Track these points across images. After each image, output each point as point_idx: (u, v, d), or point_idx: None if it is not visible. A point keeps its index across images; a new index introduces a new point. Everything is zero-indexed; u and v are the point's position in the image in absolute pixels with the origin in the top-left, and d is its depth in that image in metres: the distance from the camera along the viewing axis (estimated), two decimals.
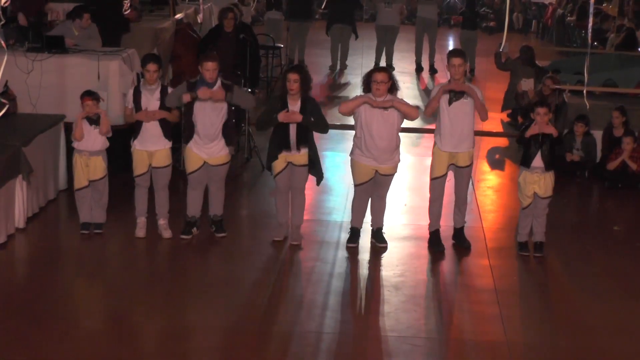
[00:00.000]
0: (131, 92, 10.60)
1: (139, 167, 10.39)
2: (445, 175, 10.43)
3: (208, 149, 10.25)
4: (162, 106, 10.32)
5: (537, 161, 10.17)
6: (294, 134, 10.13)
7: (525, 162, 10.35)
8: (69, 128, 11.56)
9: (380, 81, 9.85)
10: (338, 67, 21.51)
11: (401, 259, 10.32)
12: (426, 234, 10.64)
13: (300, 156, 10.27)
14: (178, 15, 16.65)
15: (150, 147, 10.31)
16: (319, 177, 10.57)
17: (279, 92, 10.36)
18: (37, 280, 9.51)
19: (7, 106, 11.20)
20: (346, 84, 20.45)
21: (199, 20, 16.16)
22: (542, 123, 10.14)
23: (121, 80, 12.83)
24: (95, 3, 14.35)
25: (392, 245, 10.53)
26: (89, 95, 10.50)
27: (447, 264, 10.35)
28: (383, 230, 10.62)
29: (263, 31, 20.13)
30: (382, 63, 21.29)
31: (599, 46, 20.50)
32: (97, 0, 14.45)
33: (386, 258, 10.31)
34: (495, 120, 16.87)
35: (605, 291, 9.80)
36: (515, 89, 16.37)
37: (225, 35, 14.40)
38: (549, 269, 10.42)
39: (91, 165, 10.41)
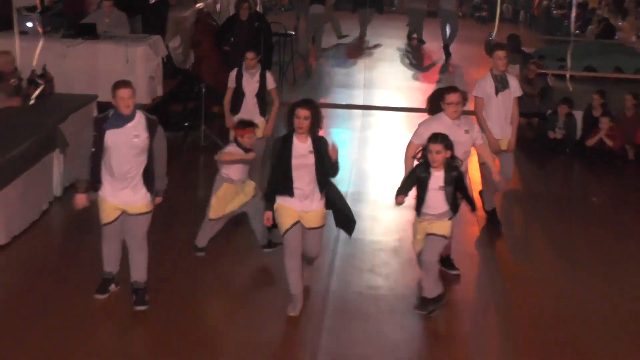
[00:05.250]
0: (233, 73, 10.69)
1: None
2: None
3: (124, 195, 7.82)
4: (261, 87, 10.54)
5: (430, 207, 7.89)
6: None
7: (417, 207, 8.00)
8: (100, 107, 11.66)
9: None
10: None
11: (399, 225, 10.31)
12: None
13: (314, 215, 7.93)
14: (199, 5, 16.69)
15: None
16: (349, 228, 8.34)
17: (286, 130, 7.93)
18: (73, 244, 9.59)
19: (42, 86, 11.37)
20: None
21: (218, 10, 16.21)
22: (435, 162, 7.76)
23: (147, 65, 12.92)
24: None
25: (391, 213, 10.53)
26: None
27: None
28: None
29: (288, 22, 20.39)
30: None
31: (580, 35, 20.53)
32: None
33: (385, 225, 10.36)
34: None
35: (581, 258, 9.83)
36: None
37: (241, 23, 14.43)
38: (533, 236, 10.48)
39: None
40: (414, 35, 23.42)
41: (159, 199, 7.99)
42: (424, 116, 13.75)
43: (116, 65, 12.73)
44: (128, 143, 7.62)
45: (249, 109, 10.62)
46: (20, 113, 10.89)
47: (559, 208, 11.48)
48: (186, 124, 13.70)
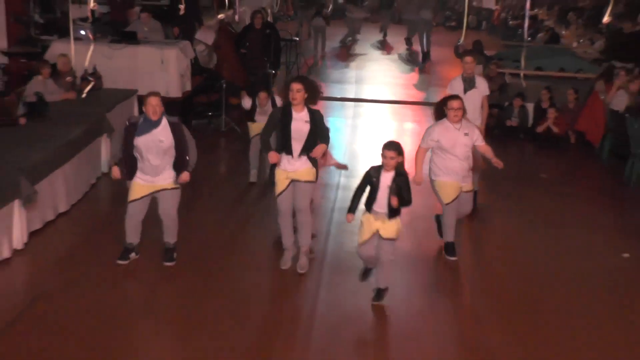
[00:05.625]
0: (249, 104, 10.30)
1: None
2: None
3: (154, 181, 7.74)
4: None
5: (380, 205, 7.20)
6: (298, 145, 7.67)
7: (367, 204, 7.27)
8: (140, 100, 11.59)
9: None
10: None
11: None
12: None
13: (304, 171, 7.73)
14: (220, 16, 16.60)
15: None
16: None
17: (283, 103, 7.91)
18: (117, 211, 9.47)
19: (93, 82, 11.32)
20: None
21: (236, 20, 16.11)
22: (387, 165, 7.08)
23: (178, 65, 12.85)
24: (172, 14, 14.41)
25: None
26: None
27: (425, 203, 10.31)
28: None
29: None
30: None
31: (531, 41, 20.43)
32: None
33: None
34: None
35: (533, 222, 9.85)
36: None
37: (255, 31, 14.34)
38: (494, 204, 10.44)
39: None
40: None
41: (186, 176, 7.74)
42: (405, 107, 13.64)
43: (153, 66, 12.65)
44: (155, 146, 7.51)
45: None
46: (75, 104, 10.89)
47: (515, 182, 11.43)
48: (210, 113, 13.68)
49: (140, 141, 7.51)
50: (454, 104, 8.06)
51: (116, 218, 9.17)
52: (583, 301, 7.71)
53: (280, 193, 7.73)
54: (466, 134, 8.14)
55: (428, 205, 10.36)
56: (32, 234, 8.49)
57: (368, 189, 7.21)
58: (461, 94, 9.75)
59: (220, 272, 7.97)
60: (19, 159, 8.39)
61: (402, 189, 7.07)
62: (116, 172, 7.71)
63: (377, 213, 7.19)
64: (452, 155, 8.16)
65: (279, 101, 10.36)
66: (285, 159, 7.67)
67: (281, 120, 7.62)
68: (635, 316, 7.47)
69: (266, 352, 6.49)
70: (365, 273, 7.59)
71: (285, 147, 7.63)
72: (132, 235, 7.94)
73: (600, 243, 9.28)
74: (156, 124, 7.51)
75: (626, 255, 8.88)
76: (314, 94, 7.63)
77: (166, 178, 7.71)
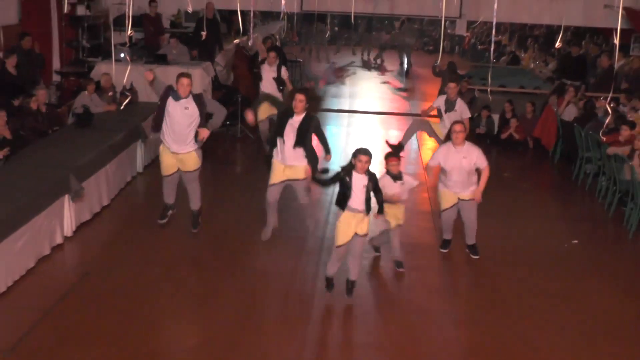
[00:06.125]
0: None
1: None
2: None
3: (176, 146, 7.96)
4: (278, 75, 10.43)
5: (356, 203, 6.73)
6: (291, 138, 7.60)
7: (340, 204, 6.77)
8: None
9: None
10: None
11: None
12: None
13: (299, 170, 7.75)
14: (236, 41, 16.61)
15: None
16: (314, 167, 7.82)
17: (287, 108, 7.78)
18: (148, 204, 9.45)
19: (130, 97, 11.34)
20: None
21: (249, 44, 16.12)
22: (361, 169, 6.64)
23: (201, 81, 12.86)
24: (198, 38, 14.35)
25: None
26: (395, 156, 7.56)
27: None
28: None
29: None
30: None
31: (496, 62, 20.47)
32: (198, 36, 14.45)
33: None
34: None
35: (495, 212, 9.81)
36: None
37: None
38: None
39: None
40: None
41: (204, 132, 7.83)
42: (391, 117, 13.56)
43: None
44: (181, 112, 7.77)
45: (268, 86, 10.62)
46: (115, 115, 10.90)
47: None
48: (227, 122, 13.63)
49: (171, 104, 7.75)
50: (456, 127, 7.66)
51: (148, 209, 9.23)
52: (539, 281, 7.73)
53: (272, 185, 7.79)
54: (464, 157, 7.71)
55: (410, 200, 10.39)
56: (83, 224, 8.53)
57: (338, 188, 6.76)
58: (442, 113, 9.78)
59: (237, 255, 7.99)
60: (69, 160, 8.47)
61: (376, 191, 6.81)
62: (149, 74, 7.85)
63: (353, 210, 6.70)
64: (450, 173, 7.83)
65: (284, 73, 10.48)
66: (279, 152, 7.69)
67: (281, 119, 7.72)
68: (582, 295, 7.49)
69: (271, 323, 6.57)
70: (329, 284, 7.13)
71: (279, 137, 7.69)
72: (168, 198, 8.39)
73: (553, 230, 9.31)
74: (185, 97, 7.78)
75: (575, 241, 8.92)
76: (314, 104, 7.59)
77: (186, 149, 7.90)
